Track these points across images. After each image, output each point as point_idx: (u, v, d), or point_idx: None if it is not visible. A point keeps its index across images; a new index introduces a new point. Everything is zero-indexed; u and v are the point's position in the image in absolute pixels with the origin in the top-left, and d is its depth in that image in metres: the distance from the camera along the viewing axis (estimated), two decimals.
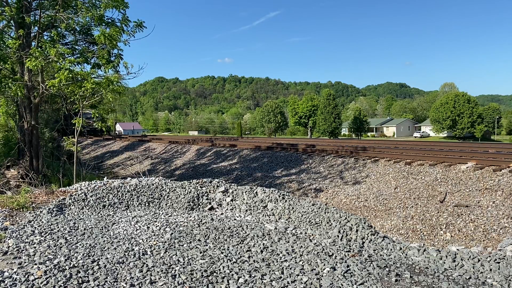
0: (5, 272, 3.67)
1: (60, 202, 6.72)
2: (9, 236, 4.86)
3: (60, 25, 10.81)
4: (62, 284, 3.42)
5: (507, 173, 9.84)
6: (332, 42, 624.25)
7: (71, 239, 4.78)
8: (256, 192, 7.39)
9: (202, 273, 3.77)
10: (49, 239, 4.74)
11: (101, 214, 6.30)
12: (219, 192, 7.54)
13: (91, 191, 7.24)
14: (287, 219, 6.36)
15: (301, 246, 4.67)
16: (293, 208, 6.59)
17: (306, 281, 3.66)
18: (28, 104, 11.25)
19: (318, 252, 4.46)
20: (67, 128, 22.99)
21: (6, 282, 3.45)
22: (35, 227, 5.25)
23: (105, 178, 8.89)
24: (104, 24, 10.91)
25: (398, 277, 3.83)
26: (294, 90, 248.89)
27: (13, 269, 3.74)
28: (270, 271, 3.88)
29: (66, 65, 9.70)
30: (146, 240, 4.83)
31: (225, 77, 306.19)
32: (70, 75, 9.42)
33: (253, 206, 6.93)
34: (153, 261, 4.04)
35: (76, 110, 11.47)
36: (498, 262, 4.22)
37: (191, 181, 8.15)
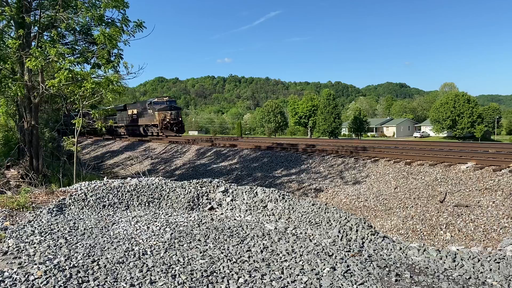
0: (5, 272, 3.67)
1: (60, 202, 6.72)
2: (9, 236, 4.87)
3: (60, 25, 10.81)
4: (62, 284, 3.42)
5: (507, 173, 9.83)
6: (332, 42, 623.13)
7: (71, 239, 4.79)
8: (256, 192, 7.39)
9: (202, 273, 3.78)
10: (49, 239, 4.74)
11: (101, 214, 6.30)
12: (219, 192, 7.55)
13: (91, 191, 7.24)
14: (287, 219, 6.36)
15: (301, 246, 4.67)
16: (293, 208, 6.59)
17: (306, 281, 3.66)
18: (28, 104, 11.25)
19: (318, 252, 4.46)
20: (67, 128, 22.91)
21: (6, 282, 3.45)
22: (35, 227, 5.25)
23: (105, 178, 8.89)
24: (104, 24, 10.90)
25: (398, 277, 3.83)
26: (294, 90, 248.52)
27: (13, 269, 3.74)
28: (270, 271, 3.88)
29: (66, 65, 9.71)
30: (146, 240, 4.83)
31: (225, 77, 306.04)
32: (70, 75, 9.42)
33: (253, 206, 6.93)
34: (153, 261, 4.04)
35: (76, 110, 11.48)
36: (498, 262, 4.22)
37: (191, 181, 8.15)
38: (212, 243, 4.73)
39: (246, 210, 6.88)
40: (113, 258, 4.09)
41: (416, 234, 8.78)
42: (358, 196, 11.43)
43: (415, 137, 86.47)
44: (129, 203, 7.03)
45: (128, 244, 4.63)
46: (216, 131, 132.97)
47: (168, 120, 33.52)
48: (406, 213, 9.73)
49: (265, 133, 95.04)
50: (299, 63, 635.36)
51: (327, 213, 6.15)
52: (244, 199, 7.26)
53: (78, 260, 3.99)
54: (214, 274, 3.78)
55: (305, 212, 6.35)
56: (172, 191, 7.53)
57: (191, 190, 7.50)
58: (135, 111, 38.56)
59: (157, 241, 4.80)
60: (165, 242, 4.75)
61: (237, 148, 21.25)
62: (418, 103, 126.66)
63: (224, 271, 3.84)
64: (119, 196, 7.19)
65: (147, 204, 7.07)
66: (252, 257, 4.28)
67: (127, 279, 3.58)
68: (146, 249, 4.44)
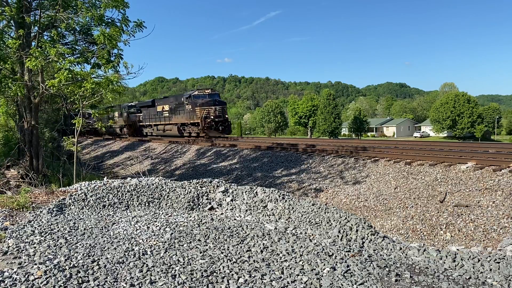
0: (5, 272, 3.67)
1: (60, 202, 6.72)
2: (9, 236, 4.87)
3: (60, 25, 10.82)
4: (62, 284, 3.42)
5: (507, 173, 9.83)
6: (332, 42, 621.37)
7: (71, 239, 4.79)
8: (256, 192, 7.39)
9: (202, 273, 3.78)
10: (49, 239, 4.74)
11: (101, 214, 6.30)
12: (219, 192, 7.55)
13: (91, 191, 7.24)
14: (287, 219, 6.36)
15: (301, 246, 4.66)
16: (293, 208, 6.59)
17: (306, 281, 3.66)
18: (28, 104, 11.26)
19: (318, 252, 4.46)
20: (67, 128, 22.80)
21: (6, 282, 3.45)
22: (35, 227, 5.25)
23: (105, 178, 8.89)
24: (104, 24, 10.91)
25: (398, 277, 3.83)
26: (294, 90, 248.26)
27: (13, 269, 3.74)
28: (270, 271, 3.88)
29: (66, 65, 9.72)
30: (146, 240, 4.83)
31: (225, 77, 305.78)
32: (70, 75, 9.44)
33: (253, 206, 6.93)
34: (153, 261, 4.04)
35: (76, 110, 11.49)
36: (498, 262, 4.22)
37: (191, 181, 8.15)
38: (212, 243, 4.73)
39: (246, 210, 6.88)
40: (113, 258, 4.09)
41: (416, 234, 8.78)
42: (358, 196, 11.44)
43: (415, 137, 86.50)
44: (129, 203, 7.03)
45: (128, 244, 4.63)
46: None
47: (212, 117, 27.18)
48: (406, 213, 9.73)
49: (265, 133, 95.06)
50: (299, 63, 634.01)
51: (327, 213, 6.15)
52: (244, 199, 7.26)
53: (78, 260, 3.99)
54: (214, 274, 3.78)
55: (305, 212, 6.35)
56: (172, 191, 7.53)
57: (191, 190, 7.50)
58: (166, 107, 32.47)
59: (157, 241, 4.80)
60: (165, 242, 4.75)
61: (237, 148, 21.25)
62: (418, 103, 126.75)
63: (224, 271, 3.84)
64: (119, 196, 7.19)
65: (147, 204, 7.07)
66: (252, 257, 4.28)
67: (127, 279, 3.58)
68: (146, 249, 4.44)
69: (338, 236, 5.31)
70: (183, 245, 4.64)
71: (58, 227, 5.30)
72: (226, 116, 28.63)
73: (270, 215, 6.60)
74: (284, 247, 4.60)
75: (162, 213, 6.42)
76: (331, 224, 5.79)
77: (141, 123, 37.60)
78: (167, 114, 32.41)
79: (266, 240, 4.91)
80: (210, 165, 19.24)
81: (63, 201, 6.80)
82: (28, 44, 10.88)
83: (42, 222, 5.56)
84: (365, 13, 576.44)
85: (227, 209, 7.06)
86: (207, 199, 7.36)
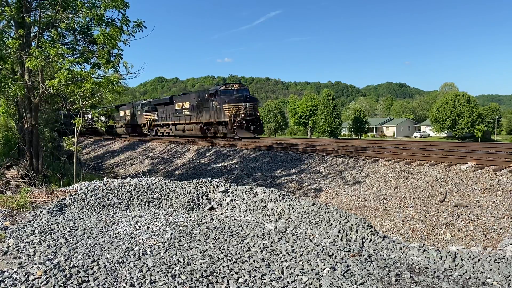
0: (5, 272, 3.67)
1: (60, 202, 6.72)
2: (9, 236, 4.87)
3: (60, 25, 10.82)
4: (62, 284, 3.42)
5: (507, 173, 9.83)
6: (332, 42, 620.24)
7: (71, 239, 4.79)
8: (256, 192, 7.39)
9: (202, 273, 3.78)
10: (49, 239, 4.75)
11: (101, 214, 6.31)
12: (219, 192, 7.55)
13: (91, 191, 7.24)
14: (287, 219, 6.36)
15: (301, 246, 4.66)
16: (293, 208, 6.59)
17: (306, 281, 3.66)
18: (28, 104, 11.26)
19: (318, 252, 4.46)
20: (67, 128, 22.70)
21: (6, 282, 3.45)
22: (35, 227, 5.25)
23: (105, 178, 8.89)
24: (104, 24, 10.91)
25: (398, 277, 3.83)
26: (294, 90, 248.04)
27: (13, 269, 3.74)
28: (270, 271, 3.88)
29: (66, 65, 9.72)
30: (146, 240, 4.83)
31: (225, 77, 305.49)
32: (70, 75, 9.44)
33: (253, 206, 6.93)
34: (153, 261, 4.04)
35: (76, 110, 11.49)
36: (498, 262, 4.22)
37: (191, 181, 8.15)
38: (212, 243, 4.73)
39: (246, 210, 6.88)
40: (113, 258, 4.09)
41: (416, 234, 8.78)
42: (358, 196, 11.44)
43: (415, 137, 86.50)
44: (129, 203, 7.03)
45: (128, 244, 4.63)
46: None
47: (242, 115, 23.93)
48: (406, 213, 9.73)
49: (265, 133, 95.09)
50: (299, 63, 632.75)
51: (327, 213, 6.15)
52: (244, 199, 7.26)
53: (78, 260, 3.99)
54: (214, 274, 3.78)
55: (305, 212, 6.35)
56: (172, 191, 7.53)
57: (191, 190, 7.50)
58: (186, 105, 29.09)
59: (157, 241, 4.80)
60: (165, 242, 4.75)
61: (237, 148, 21.25)
62: (418, 103, 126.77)
63: (224, 271, 3.84)
64: (119, 196, 7.19)
65: (147, 204, 7.07)
66: (252, 257, 4.28)
67: (127, 279, 3.58)
68: (146, 249, 4.44)
69: (338, 236, 5.31)
70: (183, 245, 4.64)
71: (58, 227, 5.30)
72: (258, 114, 25.30)
73: (270, 215, 6.60)
74: (284, 247, 4.60)
75: (162, 213, 6.42)
76: (331, 224, 5.79)
77: (156, 122, 34.21)
78: (188, 112, 28.91)
79: (266, 240, 4.91)
80: (210, 165, 19.24)
81: (63, 201, 6.80)
82: (28, 44, 10.88)
83: (42, 222, 5.56)
84: (365, 13, 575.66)
85: (227, 209, 7.06)
86: (207, 199, 7.36)
